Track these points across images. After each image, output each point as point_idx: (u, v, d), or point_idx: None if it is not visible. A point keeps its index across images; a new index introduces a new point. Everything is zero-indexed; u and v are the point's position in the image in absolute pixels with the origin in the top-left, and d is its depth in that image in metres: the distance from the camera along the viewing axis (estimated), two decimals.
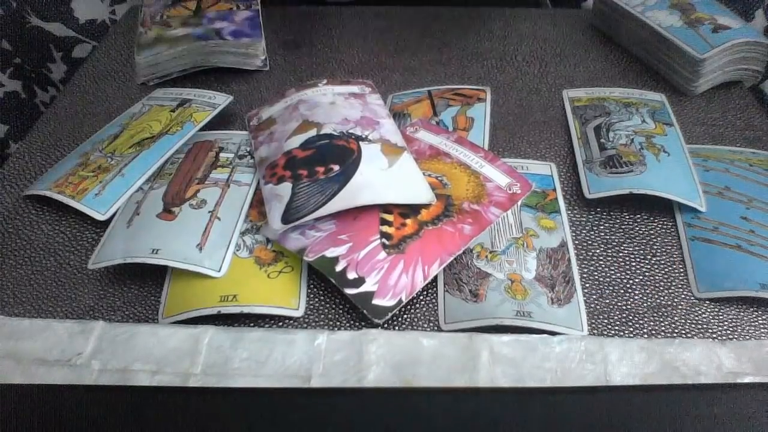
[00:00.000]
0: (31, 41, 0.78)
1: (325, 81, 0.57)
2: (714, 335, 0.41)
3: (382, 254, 0.43)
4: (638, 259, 0.46)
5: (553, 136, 0.58)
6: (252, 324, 0.42)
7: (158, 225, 0.45)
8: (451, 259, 0.44)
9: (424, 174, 0.48)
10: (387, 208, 0.46)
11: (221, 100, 0.59)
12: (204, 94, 0.59)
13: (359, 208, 0.45)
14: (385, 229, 0.44)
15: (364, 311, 0.41)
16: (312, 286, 0.44)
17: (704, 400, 0.34)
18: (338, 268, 0.42)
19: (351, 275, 0.42)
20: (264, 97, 0.64)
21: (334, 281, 0.42)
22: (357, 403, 0.35)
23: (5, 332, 0.40)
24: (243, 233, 0.46)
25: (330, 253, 0.43)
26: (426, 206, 0.46)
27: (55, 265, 0.46)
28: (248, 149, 0.53)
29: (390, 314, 0.41)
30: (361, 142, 0.48)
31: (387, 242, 0.44)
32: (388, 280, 0.42)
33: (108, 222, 0.48)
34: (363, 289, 0.42)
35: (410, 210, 0.45)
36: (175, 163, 0.52)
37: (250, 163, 0.52)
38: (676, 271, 0.46)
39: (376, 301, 0.41)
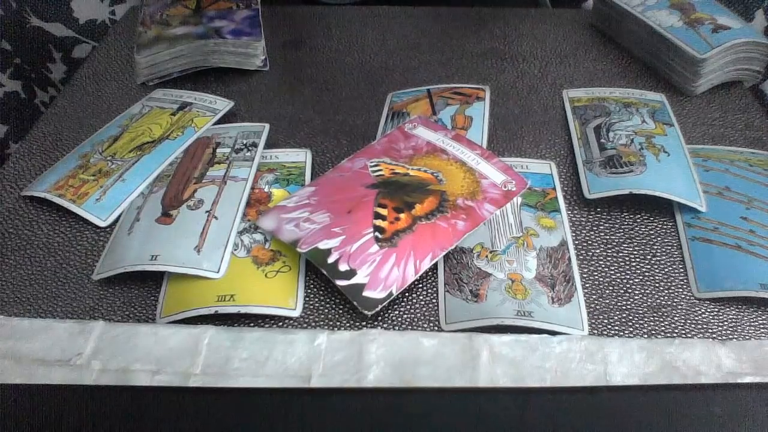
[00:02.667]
0: (31, 41, 0.78)
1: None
2: (714, 335, 0.41)
3: (375, 247, 0.43)
4: (638, 259, 0.46)
5: (553, 136, 0.58)
6: (251, 324, 0.42)
7: (157, 230, 0.45)
8: (444, 254, 0.44)
9: (420, 169, 0.49)
10: (381, 202, 0.46)
11: (222, 105, 0.59)
12: (205, 98, 0.59)
13: (354, 201, 0.45)
14: (379, 222, 0.45)
15: (354, 303, 0.41)
16: (311, 286, 0.44)
17: (704, 400, 0.34)
18: (330, 259, 0.43)
19: (343, 267, 0.42)
20: (264, 97, 0.64)
21: (325, 272, 0.42)
22: (357, 403, 0.35)
23: (5, 332, 0.40)
24: (240, 233, 0.46)
25: (323, 245, 0.43)
26: (420, 200, 0.46)
27: (55, 265, 0.46)
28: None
29: (380, 306, 0.41)
30: None
31: (380, 236, 0.44)
32: (379, 273, 0.42)
33: (108, 227, 0.48)
34: (354, 281, 0.42)
35: (404, 205, 0.46)
36: (174, 164, 0.52)
37: (246, 156, 0.52)
38: (676, 271, 0.46)
39: (366, 293, 0.41)
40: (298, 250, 0.44)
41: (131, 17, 0.77)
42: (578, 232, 0.48)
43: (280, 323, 0.42)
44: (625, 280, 0.45)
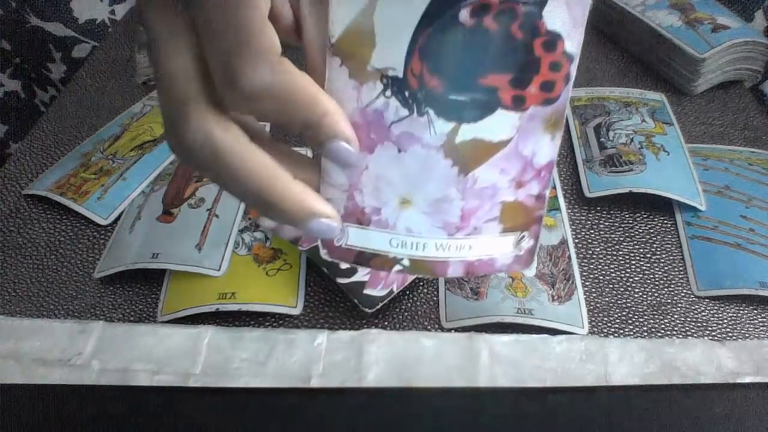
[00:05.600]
0: (30, 41, 0.78)
1: None
2: (713, 333, 0.41)
3: None
4: (638, 258, 0.46)
5: None
6: (252, 323, 0.42)
7: (158, 228, 0.45)
8: None
9: None
10: None
11: None
12: None
13: None
14: None
15: (355, 300, 0.41)
16: (312, 284, 0.44)
17: (704, 400, 0.34)
18: None
19: (343, 265, 0.42)
20: None
21: (326, 270, 0.42)
22: (357, 403, 0.35)
23: (5, 332, 0.40)
24: (242, 231, 0.46)
25: None
26: None
27: (56, 263, 0.46)
28: None
29: (381, 304, 0.41)
30: None
31: None
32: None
33: (109, 226, 0.48)
34: (355, 278, 0.42)
35: None
36: (175, 163, 0.52)
37: None
38: (676, 269, 0.46)
39: (367, 291, 0.41)
40: (299, 248, 0.44)
41: (131, 17, 0.77)
42: (578, 231, 0.48)
43: (281, 321, 0.42)
44: (625, 279, 0.45)
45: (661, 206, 0.49)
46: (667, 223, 0.49)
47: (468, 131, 0.23)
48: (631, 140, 0.53)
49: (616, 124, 0.55)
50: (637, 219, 0.49)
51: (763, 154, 0.54)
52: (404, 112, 0.22)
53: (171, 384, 0.37)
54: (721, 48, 0.59)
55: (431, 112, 0.22)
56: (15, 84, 0.78)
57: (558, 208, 0.49)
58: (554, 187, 0.51)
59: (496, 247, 0.26)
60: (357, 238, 0.25)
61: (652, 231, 0.48)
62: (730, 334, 0.41)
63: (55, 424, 0.33)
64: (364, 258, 0.26)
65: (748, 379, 0.37)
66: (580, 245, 0.47)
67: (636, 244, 0.47)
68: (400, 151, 0.23)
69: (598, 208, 0.50)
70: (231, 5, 0.19)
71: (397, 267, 0.26)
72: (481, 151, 0.23)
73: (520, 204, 0.25)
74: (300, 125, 0.21)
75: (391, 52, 0.21)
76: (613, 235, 0.48)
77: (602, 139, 0.54)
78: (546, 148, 0.24)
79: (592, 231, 0.48)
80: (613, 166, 0.51)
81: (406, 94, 0.22)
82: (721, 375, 0.38)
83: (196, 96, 0.20)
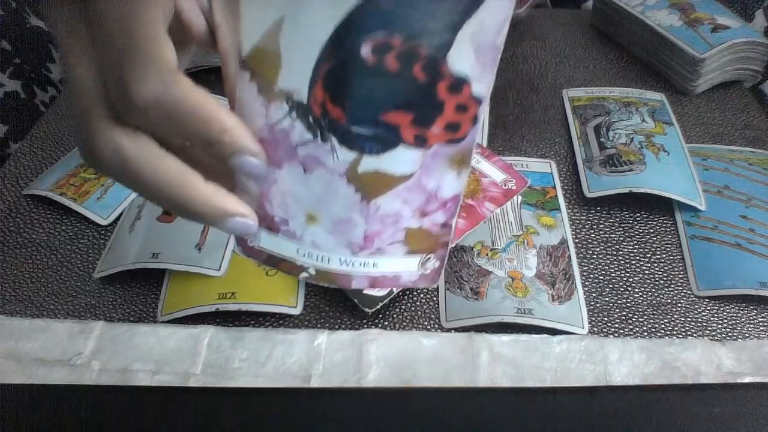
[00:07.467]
0: (31, 41, 0.78)
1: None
2: (713, 333, 0.41)
3: None
4: (638, 258, 0.46)
5: (553, 136, 0.58)
6: (252, 323, 0.42)
7: (158, 228, 0.45)
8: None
9: None
10: None
11: (223, 104, 0.59)
12: None
13: None
14: None
15: (355, 300, 0.41)
16: (311, 284, 0.44)
17: (704, 400, 0.34)
18: None
19: None
20: None
21: None
22: (357, 403, 0.35)
23: (5, 332, 0.40)
24: None
25: None
26: None
27: (56, 263, 0.46)
28: None
29: (380, 304, 0.41)
30: None
31: None
32: None
33: (109, 226, 0.48)
34: None
35: None
36: None
37: None
38: (676, 269, 0.46)
39: (367, 291, 0.41)
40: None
41: None
42: (578, 231, 0.48)
43: (281, 321, 0.42)
44: (625, 279, 0.45)
45: (661, 206, 0.49)
46: (667, 223, 0.49)
47: (370, 163, 0.22)
48: (631, 140, 0.53)
49: (616, 124, 0.55)
50: (637, 219, 0.49)
51: (763, 154, 0.54)
52: (308, 136, 0.22)
53: (171, 384, 0.37)
54: (721, 48, 0.59)
55: (334, 140, 0.22)
56: (15, 84, 0.78)
57: (558, 208, 0.49)
58: (554, 187, 0.51)
59: (401, 266, 0.26)
60: (268, 242, 0.26)
61: (652, 231, 0.48)
62: (730, 334, 0.41)
63: (55, 424, 0.33)
64: (274, 260, 0.26)
65: (748, 379, 0.37)
66: (580, 245, 0.47)
67: (636, 244, 0.47)
68: (305, 171, 0.23)
69: (598, 208, 0.50)
70: (125, 19, 0.19)
71: (304, 274, 0.26)
72: (383, 182, 0.23)
73: (425, 231, 0.25)
74: (200, 141, 0.21)
75: (295, 77, 0.21)
76: (613, 235, 0.48)
77: (602, 139, 0.54)
78: (451, 183, 0.24)
79: (592, 231, 0.48)
80: (613, 166, 0.51)
81: (310, 119, 0.22)
82: (721, 375, 0.38)
83: (101, 106, 0.20)
